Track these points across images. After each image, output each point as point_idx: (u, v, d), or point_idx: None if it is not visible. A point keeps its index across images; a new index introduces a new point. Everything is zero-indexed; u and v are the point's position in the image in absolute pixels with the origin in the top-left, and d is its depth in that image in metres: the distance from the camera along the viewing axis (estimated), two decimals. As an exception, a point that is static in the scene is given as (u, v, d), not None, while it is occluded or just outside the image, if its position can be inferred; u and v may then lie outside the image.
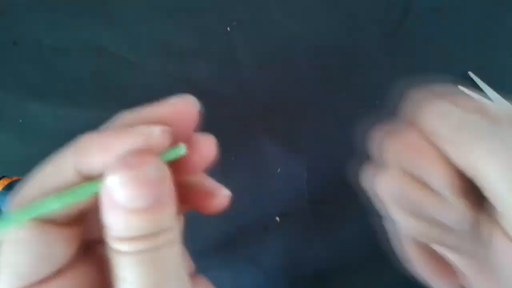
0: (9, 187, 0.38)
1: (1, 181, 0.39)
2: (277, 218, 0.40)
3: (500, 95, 0.40)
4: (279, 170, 0.41)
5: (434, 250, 0.19)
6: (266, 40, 0.44)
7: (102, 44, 0.46)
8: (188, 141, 0.16)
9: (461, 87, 0.40)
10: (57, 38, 0.47)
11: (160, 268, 0.14)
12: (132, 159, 0.14)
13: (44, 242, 0.14)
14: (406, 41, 0.42)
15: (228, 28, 0.45)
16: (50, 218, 0.14)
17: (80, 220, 0.15)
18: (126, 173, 0.13)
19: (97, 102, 0.45)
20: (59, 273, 0.14)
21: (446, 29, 0.42)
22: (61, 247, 0.14)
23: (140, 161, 0.13)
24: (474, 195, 0.17)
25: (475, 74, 0.40)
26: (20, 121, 0.46)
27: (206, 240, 0.40)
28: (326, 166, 0.41)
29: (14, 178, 0.39)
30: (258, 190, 0.41)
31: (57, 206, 0.14)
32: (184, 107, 0.16)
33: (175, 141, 0.15)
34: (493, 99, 0.40)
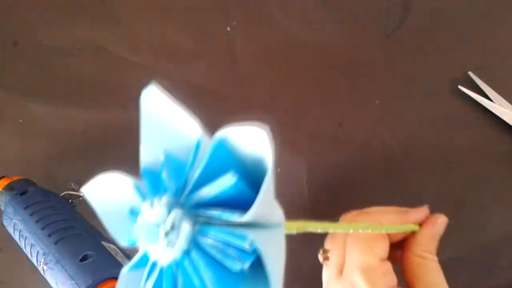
0: (9, 187, 0.38)
1: (1, 181, 0.39)
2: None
3: (500, 95, 0.40)
4: (279, 170, 0.42)
5: None
6: (266, 40, 0.44)
7: (102, 44, 0.46)
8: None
9: (461, 87, 0.40)
10: (57, 38, 0.47)
11: (439, 270, 0.28)
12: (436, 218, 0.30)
13: (387, 245, 0.28)
14: (406, 41, 0.42)
15: (228, 28, 0.45)
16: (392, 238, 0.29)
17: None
18: (444, 220, 0.31)
19: (97, 102, 0.45)
20: (385, 258, 0.27)
21: (446, 29, 0.42)
22: (388, 246, 0.28)
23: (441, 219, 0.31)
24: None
25: (475, 74, 0.40)
26: (20, 121, 0.46)
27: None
28: (326, 166, 0.41)
29: (14, 178, 0.39)
30: (258, 190, 0.41)
31: (397, 230, 0.29)
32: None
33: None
34: (493, 99, 0.40)
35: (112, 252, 0.34)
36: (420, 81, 0.42)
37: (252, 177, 0.16)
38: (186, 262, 0.15)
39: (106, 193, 0.18)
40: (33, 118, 0.46)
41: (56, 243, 0.33)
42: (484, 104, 0.40)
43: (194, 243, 0.15)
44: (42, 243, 0.34)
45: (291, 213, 0.41)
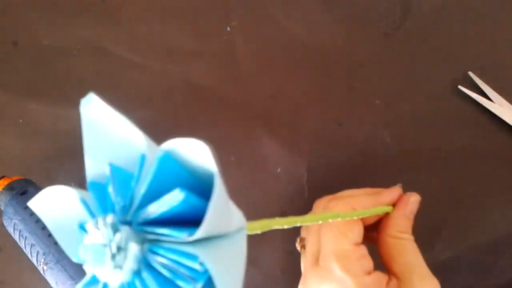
0: (9, 187, 0.38)
1: (1, 181, 0.39)
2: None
3: (500, 95, 0.40)
4: (279, 170, 0.42)
5: None
6: (266, 40, 0.44)
7: (102, 44, 0.46)
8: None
9: (461, 87, 0.40)
10: (57, 38, 0.47)
11: (415, 250, 0.28)
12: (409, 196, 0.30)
13: (361, 229, 0.28)
14: (406, 41, 0.42)
15: (228, 28, 0.45)
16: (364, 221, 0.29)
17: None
18: (416, 199, 0.30)
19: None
20: (359, 243, 0.28)
21: (446, 29, 0.42)
22: (362, 230, 0.28)
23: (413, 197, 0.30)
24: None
25: (475, 74, 0.40)
26: (20, 121, 0.46)
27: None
28: (326, 166, 0.41)
29: (14, 178, 0.39)
30: (258, 190, 0.41)
31: (360, 216, 0.28)
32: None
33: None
34: (493, 99, 0.40)
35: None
36: (420, 81, 0.42)
37: (205, 187, 0.15)
38: (137, 283, 0.14)
39: (55, 207, 0.18)
40: (33, 118, 0.46)
41: (56, 243, 0.33)
42: (484, 104, 0.40)
43: (145, 263, 0.14)
44: (42, 243, 0.34)
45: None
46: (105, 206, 0.15)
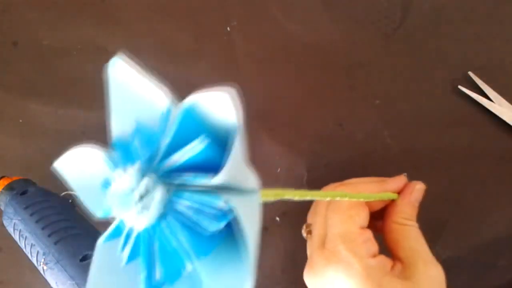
0: (9, 187, 0.38)
1: (1, 181, 0.39)
2: (277, 218, 0.40)
3: (500, 95, 0.40)
4: (279, 170, 0.42)
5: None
6: (266, 40, 0.44)
7: (102, 44, 0.46)
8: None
9: (461, 87, 0.40)
10: (57, 38, 0.47)
11: (420, 236, 0.29)
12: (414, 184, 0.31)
13: (367, 213, 0.28)
14: (406, 41, 0.42)
15: (228, 28, 0.45)
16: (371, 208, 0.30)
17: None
18: (421, 187, 0.31)
19: (97, 102, 0.45)
20: (365, 227, 0.28)
21: (446, 29, 0.42)
22: (368, 215, 0.29)
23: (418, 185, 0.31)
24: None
25: (475, 74, 0.40)
26: (20, 121, 0.46)
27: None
28: (326, 166, 0.41)
29: (14, 178, 0.39)
30: (258, 190, 0.41)
31: (367, 199, 0.29)
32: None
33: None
34: (493, 99, 0.40)
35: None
36: (420, 81, 0.42)
37: (227, 142, 0.15)
38: (163, 226, 0.15)
39: (79, 167, 0.18)
40: (33, 118, 0.46)
41: (56, 243, 0.33)
42: (484, 104, 0.40)
43: (169, 207, 0.15)
44: (42, 243, 0.34)
45: (291, 213, 0.41)
46: (129, 159, 0.16)
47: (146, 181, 0.14)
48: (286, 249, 0.40)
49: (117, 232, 0.16)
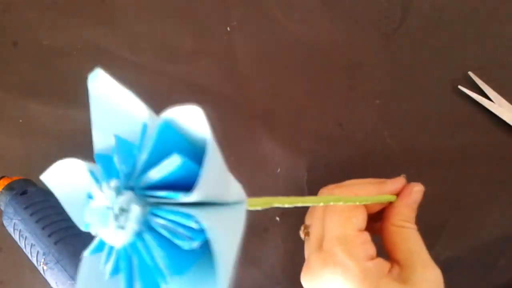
0: (9, 187, 0.38)
1: (1, 181, 0.39)
2: (277, 218, 0.40)
3: (500, 95, 0.40)
4: (279, 170, 0.42)
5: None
6: (266, 40, 0.44)
7: (102, 44, 0.46)
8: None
9: (461, 87, 0.40)
10: (57, 38, 0.47)
11: (418, 238, 0.29)
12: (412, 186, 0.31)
13: (365, 215, 0.28)
14: (406, 41, 0.42)
15: (228, 28, 0.45)
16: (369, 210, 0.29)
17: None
18: (420, 189, 0.31)
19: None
20: (363, 229, 0.28)
21: (446, 29, 0.42)
22: (366, 217, 0.28)
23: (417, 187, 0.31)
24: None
25: (475, 74, 0.40)
26: (20, 121, 0.46)
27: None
28: (326, 166, 0.41)
29: (14, 178, 0.39)
30: (258, 190, 0.41)
31: (363, 202, 0.29)
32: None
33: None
34: (493, 99, 0.40)
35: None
36: (420, 81, 0.42)
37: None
38: (139, 244, 0.15)
39: (65, 180, 0.19)
40: (33, 118, 0.46)
41: (56, 243, 0.33)
42: (484, 104, 0.40)
43: (146, 225, 0.15)
44: (42, 243, 0.34)
45: (291, 213, 0.41)
46: (110, 174, 0.16)
47: (122, 199, 0.14)
48: (286, 249, 0.40)
49: (101, 246, 0.17)
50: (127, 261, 0.15)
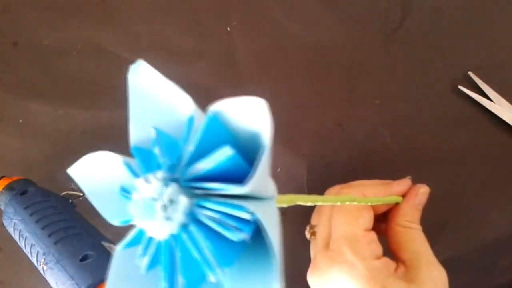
0: (9, 187, 0.38)
1: (1, 181, 0.39)
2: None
3: (500, 95, 0.40)
4: (279, 170, 0.42)
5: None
6: (266, 40, 0.44)
7: (102, 44, 0.46)
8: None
9: (461, 87, 0.40)
10: (57, 38, 0.47)
11: (423, 239, 0.29)
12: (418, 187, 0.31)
13: (372, 216, 0.28)
14: (406, 41, 0.42)
15: (228, 28, 0.45)
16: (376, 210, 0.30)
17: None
18: (425, 190, 0.31)
19: (97, 102, 0.45)
20: (370, 229, 0.28)
21: (446, 29, 0.42)
22: (372, 217, 0.29)
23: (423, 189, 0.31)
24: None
25: (475, 74, 0.40)
26: (20, 121, 0.46)
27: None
28: (326, 166, 0.41)
29: (14, 178, 0.39)
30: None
31: (375, 203, 0.29)
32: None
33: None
34: (493, 99, 0.40)
35: (112, 252, 0.34)
36: (420, 81, 0.42)
37: (246, 151, 0.15)
38: (184, 236, 0.15)
39: (95, 173, 0.18)
40: (33, 118, 0.46)
41: (56, 243, 0.33)
42: (484, 104, 0.40)
43: (192, 217, 0.15)
44: (42, 243, 0.34)
45: (291, 213, 0.41)
46: (150, 167, 0.16)
47: (169, 190, 0.14)
48: (286, 248, 0.40)
49: (137, 239, 0.16)
50: (168, 254, 0.15)
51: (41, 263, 0.33)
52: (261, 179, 0.14)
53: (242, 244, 0.15)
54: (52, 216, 0.36)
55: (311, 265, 0.29)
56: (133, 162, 0.17)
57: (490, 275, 0.38)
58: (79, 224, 0.37)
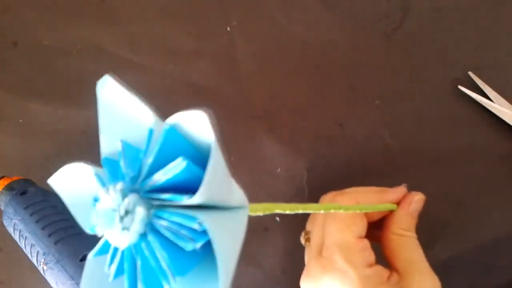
0: (9, 187, 0.38)
1: (1, 181, 0.39)
2: (277, 218, 0.40)
3: (500, 95, 0.40)
4: (279, 170, 0.42)
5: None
6: (266, 40, 0.44)
7: (102, 44, 0.46)
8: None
9: (461, 87, 0.40)
10: (57, 38, 0.47)
11: (417, 247, 0.29)
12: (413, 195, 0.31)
13: (365, 223, 0.28)
14: (406, 41, 0.42)
15: (228, 28, 0.45)
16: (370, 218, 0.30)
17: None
18: (421, 198, 0.30)
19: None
20: (362, 236, 0.28)
21: (446, 29, 0.42)
22: (366, 225, 0.29)
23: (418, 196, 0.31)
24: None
25: (475, 74, 0.40)
26: (20, 121, 0.46)
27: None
28: (326, 166, 0.41)
29: (14, 178, 0.39)
30: (258, 190, 0.41)
31: (364, 211, 0.29)
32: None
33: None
34: (493, 99, 0.40)
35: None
36: (420, 81, 0.42)
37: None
38: (143, 245, 0.15)
39: (72, 183, 0.19)
40: (33, 118, 0.46)
41: (56, 243, 0.33)
42: (484, 104, 0.40)
43: (150, 227, 0.15)
44: (42, 243, 0.34)
45: (291, 213, 0.40)
46: (116, 178, 0.17)
47: (127, 201, 0.15)
48: (286, 249, 0.40)
49: (105, 248, 0.17)
50: (130, 262, 0.16)
51: (41, 263, 0.33)
52: (215, 188, 0.15)
53: (200, 255, 0.16)
54: (52, 216, 0.36)
55: (304, 271, 0.29)
56: (104, 173, 0.18)
57: (490, 275, 0.38)
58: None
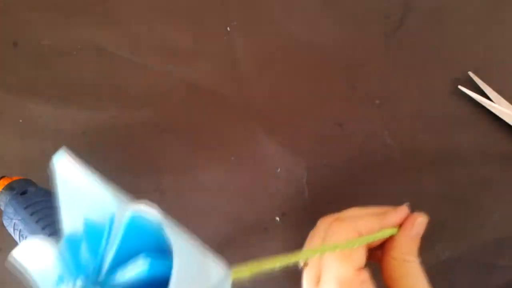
0: (9, 187, 0.38)
1: (1, 181, 0.39)
2: (277, 218, 0.40)
3: (500, 95, 0.40)
4: (279, 170, 0.42)
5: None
6: (266, 40, 0.44)
7: (102, 44, 0.46)
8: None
9: (461, 87, 0.40)
10: (57, 38, 0.47)
11: (420, 273, 0.27)
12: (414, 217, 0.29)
13: (365, 251, 0.27)
14: (406, 41, 0.42)
15: (228, 28, 0.45)
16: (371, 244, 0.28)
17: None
18: (423, 220, 0.28)
19: (97, 102, 0.45)
20: (362, 267, 0.27)
21: (446, 29, 0.42)
22: (365, 254, 0.27)
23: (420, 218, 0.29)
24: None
25: (475, 74, 0.40)
26: (20, 121, 0.46)
27: (206, 240, 0.40)
28: (326, 166, 0.41)
29: (14, 178, 0.39)
30: (258, 190, 0.41)
31: (366, 242, 0.27)
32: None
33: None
34: (493, 99, 0.40)
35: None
36: (420, 81, 0.42)
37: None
38: None
39: (36, 259, 0.18)
40: (33, 118, 0.46)
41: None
42: (484, 104, 0.40)
43: None
44: (42, 243, 0.34)
45: (291, 213, 0.41)
46: (79, 266, 0.16)
47: None
48: (286, 249, 0.40)
49: None
50: None
51: (41, 263, 0.33)
52: (186, 279, 0.14)
53: None
54: (52, 216, 0.36)
55: None
56: (66, 256, 0.17)
57: (490, 275, 0.38)
58: (79, 224, 0.37)
